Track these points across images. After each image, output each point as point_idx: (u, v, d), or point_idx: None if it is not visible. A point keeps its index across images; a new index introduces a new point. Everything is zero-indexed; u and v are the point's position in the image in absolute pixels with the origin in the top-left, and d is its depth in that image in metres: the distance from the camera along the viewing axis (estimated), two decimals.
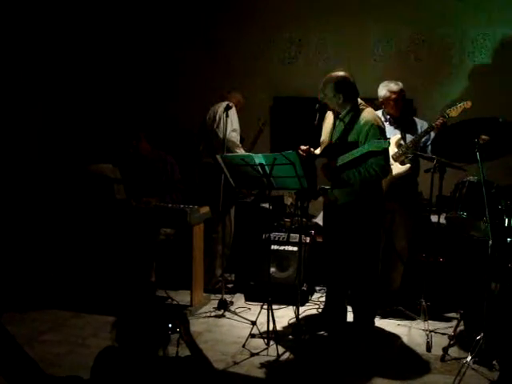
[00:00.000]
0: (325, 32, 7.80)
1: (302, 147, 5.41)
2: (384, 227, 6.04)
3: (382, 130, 5.36)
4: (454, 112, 5.93)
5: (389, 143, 5.19)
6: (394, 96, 6.11)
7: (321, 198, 5.72)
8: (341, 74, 5.43)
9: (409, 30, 7.56)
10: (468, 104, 5.91)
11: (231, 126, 6.63)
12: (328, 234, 5.78)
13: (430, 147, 6.07)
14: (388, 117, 6.17)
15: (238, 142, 6.74)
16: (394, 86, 6.12)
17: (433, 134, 5.97)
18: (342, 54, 7.69)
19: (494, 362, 4.86)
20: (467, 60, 7.47)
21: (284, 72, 8.00)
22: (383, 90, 6.16)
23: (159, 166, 6.73)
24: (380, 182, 5.51)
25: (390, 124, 6.15)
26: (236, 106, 6.76)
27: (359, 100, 5.47)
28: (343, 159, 5.25)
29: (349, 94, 5.39)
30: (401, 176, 5.99)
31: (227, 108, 6.42)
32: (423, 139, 6.05)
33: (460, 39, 7.45)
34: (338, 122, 5.50)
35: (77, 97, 8.04)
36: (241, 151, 6.65)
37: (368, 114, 5.38)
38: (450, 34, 7.46)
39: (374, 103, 6.12)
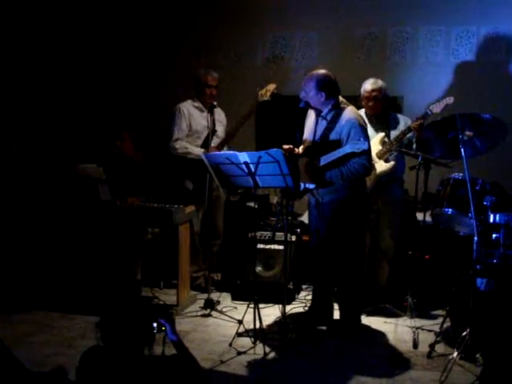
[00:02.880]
0: (309, 30, 7.81)
1: (285, 146, 5.41)
2: (369, 226, 6.06)
3: (364, 129, 5.38)
4: (436, 108, 5.95)
5: (368, 145, 5.22)
6: (367, 94, 6.13)
7: (305, 197, 5.73)
8: (323, 72, 5.45)
9: (393, 27, 7.58)
10: (450, 100, 5.92)
11: (176, 133, 6.72)
12: (313, 232, 5.78)
13: (415, 144, 6.07)
14: (370, 115, 6.17)
15: (180, 151, 6.68)
16: (368, 86, 6.13)
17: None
18: (326, 53, 7.70)
19: (478, 356, 4.88)
20: (451, 57, 7.49)
21: (269, 71, 7.99)
22: (361, 88, 6.18)
23: (143, 166, 6.71)
24: (363, 179, 5.53)
25: (372, 122, 6.14)
26: (201, 84, 6.72)
27: (341, 98, 5.48)
28: (325, 159, 5.26)
29: (331, 92, 5.40)
30: (385, 174, 6.00)
31: (212, 107, 6.39)
32: (407, 136, 6.05)
33: (444, 37, 7.47)
34: (319, 121, 5.51)
35: (61, 97, 8.00)
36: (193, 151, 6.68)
37: (349, 112, 5.39)
38: (434, 32, 7.48)
39: (359, 101, 6.15)
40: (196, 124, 6.73)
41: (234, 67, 7.98)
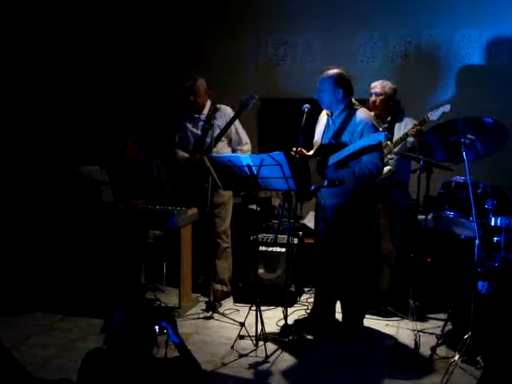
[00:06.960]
0: (311, 33, 7.81)
1: (295, 149, 5.41)
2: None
3: (376, 129, 5.38)
4: (433, 116, 5.95)
5: (384, 136, 5.21)
6: (370, 91, 6.19)
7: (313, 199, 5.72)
8: (339, 70, 5.47)
9: (395, 31, 7.57)
10: (447, 108, 5.92)
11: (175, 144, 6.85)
12: (318, 234, 5.77)
13: (417, 149, 6.06)
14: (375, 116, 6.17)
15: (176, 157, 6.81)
16: (372, 84, 6.17)
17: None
18: (329, 56, 7.67)
19: (478, 358, 4.88)
20: (454, 61, 7.48)
21: (271, 74, 8.00)
22: None
23: (146, 168, 6.71)
24: (371, 183, 5.49)
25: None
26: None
27: (353, 100, 5.48)
28: (338, 155, 5.25)
29: (347, 90, 5.41)
30: (383, 178, 5.97)
31: (215, 110, 6.39)
32: (409, 141, 6.06)
33: (447, 40, 7.45)
34: (331, 123, 5.51)
35: (65, 99, 8.01)
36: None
37: (362, 112, 5.41)
38: (437, 36, 7.47)
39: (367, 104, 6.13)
40: (185, 133, 6.80)
41: (236, 71, 7.97)
